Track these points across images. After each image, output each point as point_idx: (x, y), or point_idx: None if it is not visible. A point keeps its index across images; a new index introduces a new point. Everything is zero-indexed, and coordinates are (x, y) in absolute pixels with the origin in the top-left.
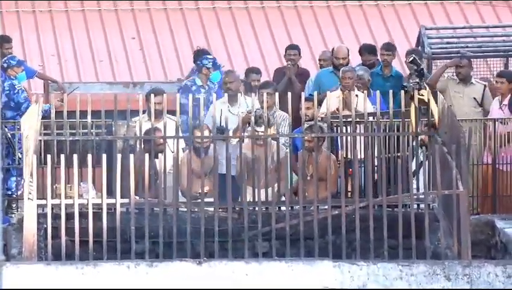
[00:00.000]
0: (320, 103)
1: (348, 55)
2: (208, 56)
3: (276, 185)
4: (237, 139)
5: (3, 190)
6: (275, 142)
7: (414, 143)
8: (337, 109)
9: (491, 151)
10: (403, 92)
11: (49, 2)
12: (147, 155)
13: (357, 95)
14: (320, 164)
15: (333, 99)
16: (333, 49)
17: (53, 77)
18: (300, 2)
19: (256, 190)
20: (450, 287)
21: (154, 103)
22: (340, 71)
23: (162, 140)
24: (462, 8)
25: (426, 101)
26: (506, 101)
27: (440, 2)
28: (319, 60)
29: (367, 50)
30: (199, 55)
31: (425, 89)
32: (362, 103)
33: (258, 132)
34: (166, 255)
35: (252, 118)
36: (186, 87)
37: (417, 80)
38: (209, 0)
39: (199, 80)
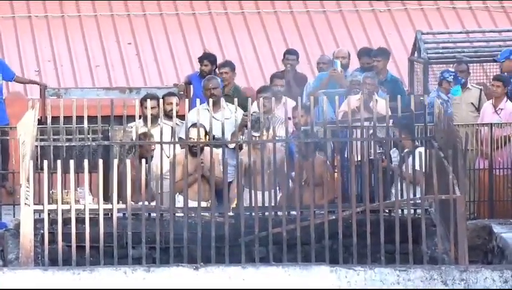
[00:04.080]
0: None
1: (349, 57)
2: (450, 69)
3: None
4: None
5: None
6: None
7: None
8: (357, 108)
9: (486, 156)
10: (399, 96)
11: (45, 7)
12: (143, 161)
13: (376, 100)
14: (315, 169)
15: (353, 101)
16: (334, 51)
17: (43, 82)
18: (296, 7)
19: (253, 195)
20: None
21: (151, 108)
22: (362, 76)
23: (153, 145)
24: (458, 13)
25: None
26: (502, 105)
27: (436, 7)
28: (318, 63)
29: (365, 53)
30: (205, 58)
31: None
32: (384, 107)
33: (255, 136)
34: (163, 260)
35: (249, 123)
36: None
37: None
38: (205, 5)
39: (443, 94)
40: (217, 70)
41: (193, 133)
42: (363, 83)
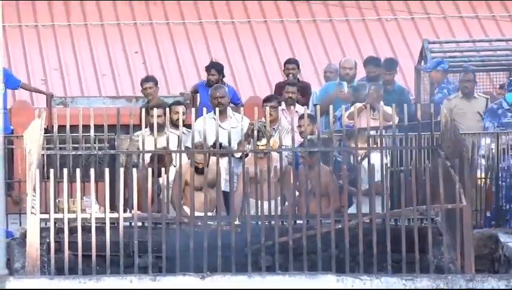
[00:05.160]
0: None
1: (356, 67)
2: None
3: (279, 198)
4: (240, 153)
5: None
6: (277, 154)
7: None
8: (364, 105)
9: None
10: (405, 105)
11: (52, 16)
12: (150, 169)
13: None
14: (320, 179)
15: (359, 106)
16: (341, 61)
17: (50, 91)
18: (303, 16)
19: (259, 204)
20: None
21: (157, 116)
22: (368, 87)
23: (169, 162)
24: (465, 22)
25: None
26: None
27: (443, 16)
28: (325, 72)
29: (371, 62)
30: (212, 67)
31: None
32: (388, 113)
33: (258, 146)
34: (170, 269)
35: (255, 132)
36: (492, 110)
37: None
38: (212, 14)
39: (505, 102)
40: (224, 79)
41: (199, 157)
42: (368, 93)
